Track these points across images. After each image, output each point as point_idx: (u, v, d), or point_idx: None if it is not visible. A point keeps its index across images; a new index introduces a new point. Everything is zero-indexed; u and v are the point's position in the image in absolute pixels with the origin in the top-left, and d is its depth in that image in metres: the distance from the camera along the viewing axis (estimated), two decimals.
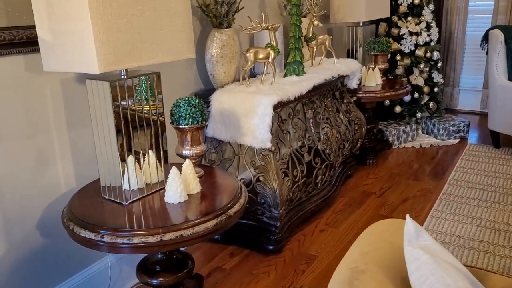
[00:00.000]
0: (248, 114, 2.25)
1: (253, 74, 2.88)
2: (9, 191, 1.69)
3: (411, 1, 4.20)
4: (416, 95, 4.23)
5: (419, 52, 4.21)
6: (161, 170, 1.72)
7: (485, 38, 3.99)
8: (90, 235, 1.45)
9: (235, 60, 2.48)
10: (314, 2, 2.96)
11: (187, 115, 1.73)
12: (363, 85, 3.65)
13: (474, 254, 2.38)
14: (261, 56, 2.42)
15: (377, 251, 1.09)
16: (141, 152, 1.64)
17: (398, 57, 4.23)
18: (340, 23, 3.72)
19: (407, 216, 1.03)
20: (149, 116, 1.64)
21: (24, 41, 1.65)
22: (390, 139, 4.07)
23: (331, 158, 2.97)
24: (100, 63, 1.34)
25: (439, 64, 4.42)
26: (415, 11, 4.25)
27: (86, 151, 1.96)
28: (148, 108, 1.64)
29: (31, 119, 1.73)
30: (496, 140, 3.94)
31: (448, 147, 4.07)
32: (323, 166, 2.85)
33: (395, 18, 4.25)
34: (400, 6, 4.22)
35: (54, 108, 1.81)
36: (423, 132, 4.38)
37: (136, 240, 1.42)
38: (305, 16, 3.13)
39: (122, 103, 1.53)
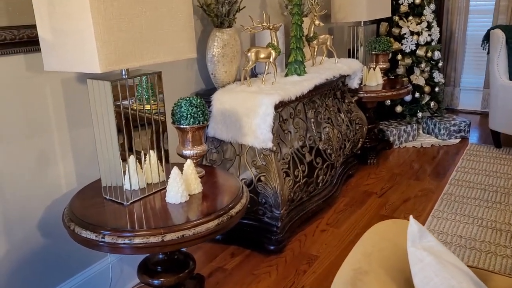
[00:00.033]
0: (250, 114, 2.25)
1: (254, 74, 2.87)
2: (10, 191, 1.69)
3: (412, 1, 4.20)
4: (417, 94, 4.22)
5: (420, 52, 4.20)
6: (162, 170, 1.72)
7: (486, 38, 3.99)
8: (91, 236, 1.44)
9: (236, 59, 2.47)
10: (315, 1, 2.96)
11: (189, 115, 1.72)
12: (364, 85, 3.64)
13: (475, 254, 2.37)
14: (262, 55, 2.42)
15: (381, 252, 1.08)
16: (142, 152, 1.64)
17: (399, 56, 4.22)
18: (341, 22, 3.71)
19: (411, 217, 1.03)
20: (150, 116, 1.64)
21: (25, 40, 1.64)
22: (391, 138, 4.07)
23: (332, 158, 2.96)
24: (101, 62, 1.33)
25: (440, 64, 4.41)
26: (416, 10, 4.24)
27: (87, 151, 1.96)
28: (149, 108, 1.63)
29: (32, 119, 1.72)
30: (497, 140, 3.93)
31: (449, 147, 4.06)
32: (324, 166, 2.84)
33: (396, 18, 4.25)
34: (401, 5, 4.21)
35: (54, 108, 1.80)
36: (424, 132, 4.37)
37: (137, 240, 1.41)
38: (306, 16, 3.12)
39: (123, 103, 1.52)
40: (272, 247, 2.40)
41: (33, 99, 1.72)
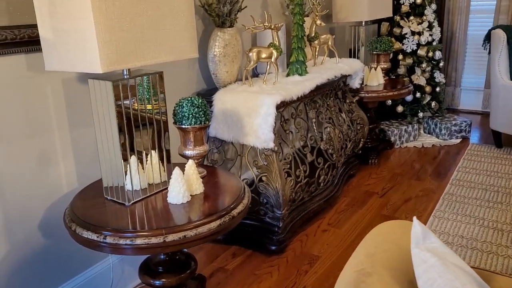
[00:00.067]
0: (251, 114, 2.24)
1: (255, 74, 2.87)
2: (11, 191, 1.68)
3: (413, 1, 4.19)
4: (418, 94, 4.22)
5: (421, 52, 4.19)
6: (164, 170, 1.71)
7: (487, 38, 3.98)
8: (93, 236, 1.44)
9: (238, 59, 2.46)
10: (317, 1, 2.95)
11: (190, 115, 1.72)
12: (365, 85, 3.63)
13: (477, 255, 2.37)
14: (263, 55, 2.41)
15: (384, 253, 1.08)
16: (144, 152, 1.63)
17: (400, 56, 4.22)
18: (342, 22, 3.70)
19: (414, 218, 1.02)
20: (151, 116, 1.63)
21: (25, 40, 1.64)
22: (392, 138, 4.06)
23: (334, 158, 2.95)
24: (103, 62, 1.33)
25: (441, 64, 4.40)
26: (417, 10, 4.24)
27: (88, 151, 1.95)
28: (151, 108, 1.63)
29: (33, 119, 1.72)
30: (498, 140, 3.93)
31: (450, 147, 4.05)
32: (325, 166, 2.84)
33: (397, 18, 4.24)
34: (402, 5, 4.21)
35: (55, 108, 1.79)
36: (425, 132, 4.37)
37: (139, 241, 1.41)
38: (307, 16, 3.11)
39: (124, 103, 1.52)
40: (273, 247, 2.40)
41: (34, 99, 1.71)
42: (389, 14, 3.82)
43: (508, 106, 3.67)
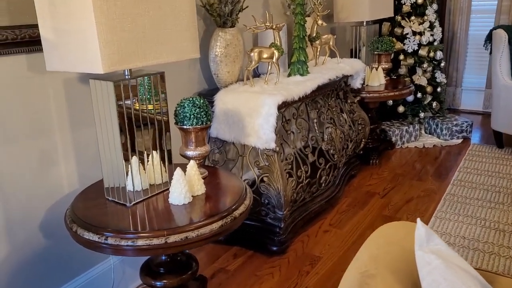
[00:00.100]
0: (252, 114, 2.23)
1: (256, 74, 2.86)
2: (12, 192, 1.68)
3: (414, 1, 4.18)
4: (419, 95, 4.21)
5: (422, 52, 4.19)
6: (165, 171, 1.70)
7: (489, 38, 3.98)
8: (94, 237, 1.43)
9: (239, 59, 2.46)
10: (318, 1, 2.95)
11: (192, 116, 1.71)
12: (367, 85, 3.63)
13: (479, 256, 2.36)
14: (265, 55, 2.41)
15: (387, 255, 1.07)
16: (145, 152, 1.62)
17: (401, 56, 4.21)
18: (343, 22, 3.70)
19: (418, 219, 1.01)
20: (153, 116, 1.63)
21: (26, 40, 1.63)
22: (393, 139, 4.06)
23: (335, 158, 2.95)
24: (104, 63, 1.32)
25: (442, 64, 4.40)
26: (418, 10, 4.23)
27: (89, 151, 1.94)
28: (152, 108, 1.62)
29: (34, 119, 1.71)
30: (499, 140, 3.92)
31: (451, 147, 4.05)
32: (327, 166, 2.83)
33: (399, 18, 4.23)
34: (404, 5, 4.20)
35: (56, 108, 1.79)
36: (426, 132, 4.36)
37: (140, 242, 1.40)
38: (308, 16, 3.11)
39: (125, 103, 1.51)
40: (275, 248, 2.39)
41: (35, 99, 1.71)
42: (391, 14, 3.82)
43: (509, 106, 3.66)
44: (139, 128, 1.58)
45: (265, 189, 2.33)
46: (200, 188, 1.66)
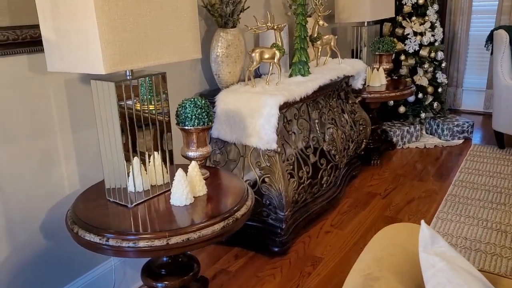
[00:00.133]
0: (254, 114, 2.23)
1: (258, 74, 2.85)
2: (12, 192, 1.67)
3: (415, 1, 4.18)
4: (420, 95, 4.20)
5: (423, 52, 4.18)
6: (167, 171, 1.70)
7: (490, 39, 3.97)
8: (95, 239, 1.42)
9: (240, 60, 2.45)
10: (319, 1, 2.94)
11: (193, 116, 1.71)
12: (368, 86, 3.62)
13: (481, 257, 2.35)
14: (266, 56, 2.40)
15: (391, 257, 1.06)
16: (146, 153, 1.62)
17: (402, 57, 4.21)
18: (344, 23, 3.69)
19: (422, 221, 1.01)
20: (154, 117, 1.62)
21: (27, 40, 1.63)
22: (394, 139, 4.05)
23: (337, 159, 2.94)
24: (106, 63, 1.31)
25: (443, 64, 4.39)
26: (419, 11, 4.23)
27: (90, 152, 1.94)
28: (154, 109, 1.61)
29: (35, 120, 1.71)
30: (500, 140, 3.91)
31: (452, 147, 4.04)
32: (328, 167, 2.82)
33: (400, 18, 4.23)
34: (405, 6, 4.19)
35: (57, 109, 1.78)
36: (427, 133, 4.35)
37: (141, 244, 1.39)
38: (310, 16, 3.10)
39: (127, 103, 1.50)
40: (276, 249, 2.38)
41: (36, 100, 1.70)
42: (392, 14, 3.81)
43: (510, 106, 3.66)
44: (141, 129, 1.58)
45: (266, 189, 2.32)
46: (201, 189, 1.65)
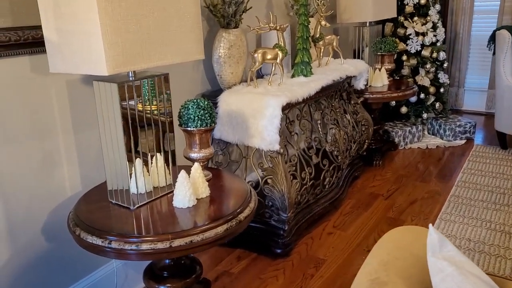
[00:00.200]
0: (256, 115, 2.21)
1: (260, 75, 2.84)
2: (14, 194, 1.66)
3: (417, 1, 4.16)
4: (422, 95, 4.19)
5: (425, 53, 4.17)
6: (169, 173, 1.68)
7: (492, 39, 3.95)
8: (97, 241, 1.41)
9: (243, 60, 2.44)
10: (321, 2, 2.93)
11: (196, 117, 1.69)
12: (370, 86, 3.61)
13: (485, 258, 2.34)
14: (269, 56, 2.39)
15: (398, 261, 1.05)
16: (149, 154, 1.60)
17: (404, 57, 4.19)
18: (346, 23, 3.68)
19: (430, 225, 0.99)
20: (157, 118, 1.61)
21: (29, 41, 1.61)
22: (396, 140, 4.04)
23: (339, 159, 2.93)
24: (109, 64, 1.30)
25: (445, 65, 4.38)
26: (421, 11, 4.21)
27: (92, 153, 1.92)
28: (156, 110, 1.60)
29: (37, 121, 1.69)
30: (503, 141, 3.90)
31: (455, 148, 4.03)
32: (331, 168, 2.81)
33: (401, 18, 4.21)
34: (407, 6, 4.18)
35: (60, 110, 1.77)
36: (429, 133, 4.34)
37: (144, 246, 1.38)
38: (312, 16, 3.09)
39: (130, 104, 1.49)
40: (279, 251, 2.37)
41: (38, 101, 1.69)
42: (394, 14, 3.79)
43: None
44: (143, 130, 1.56)
45: (269, 191, 2.31)
46: (204, 190, 1.64)
